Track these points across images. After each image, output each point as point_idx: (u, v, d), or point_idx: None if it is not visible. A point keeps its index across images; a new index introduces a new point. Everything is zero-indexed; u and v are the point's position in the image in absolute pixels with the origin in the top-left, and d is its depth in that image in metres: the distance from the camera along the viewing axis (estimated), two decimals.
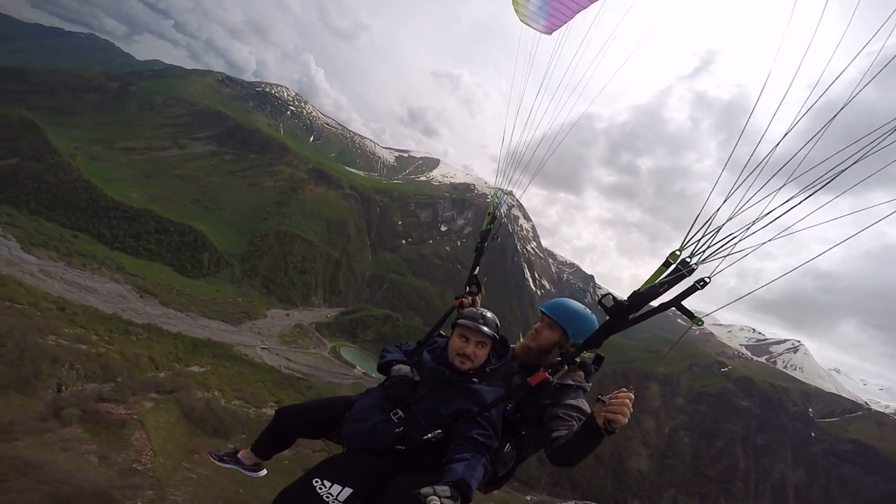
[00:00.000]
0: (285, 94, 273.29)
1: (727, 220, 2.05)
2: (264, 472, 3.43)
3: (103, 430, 21.59)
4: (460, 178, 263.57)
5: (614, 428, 2.30)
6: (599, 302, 2.58)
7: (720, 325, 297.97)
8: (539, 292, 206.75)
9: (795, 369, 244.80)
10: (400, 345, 3.39)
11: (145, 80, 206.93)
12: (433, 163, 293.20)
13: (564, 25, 4.42)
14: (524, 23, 4.48)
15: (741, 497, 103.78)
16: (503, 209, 4.16)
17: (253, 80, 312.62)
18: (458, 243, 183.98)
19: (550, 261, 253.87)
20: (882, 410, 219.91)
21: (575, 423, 2.78)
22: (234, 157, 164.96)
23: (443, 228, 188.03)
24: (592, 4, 4.19)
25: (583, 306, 3.26)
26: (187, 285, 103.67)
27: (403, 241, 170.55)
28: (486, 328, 2.88)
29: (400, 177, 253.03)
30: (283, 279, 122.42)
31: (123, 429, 21.96)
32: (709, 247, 2.06)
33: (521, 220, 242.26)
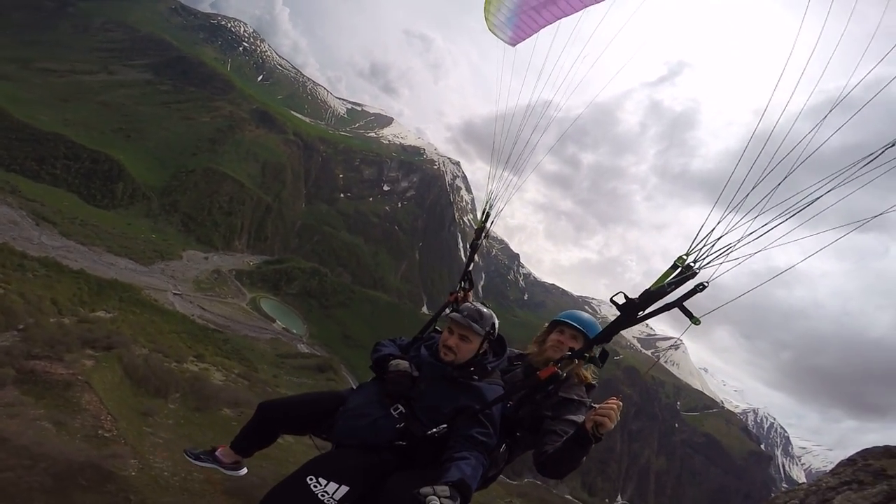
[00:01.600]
0: (242, 29, 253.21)
1: (724, 234, 2.31)
2: (245, 470, 3.30)
3: (46, 392, 20.29)
4: (411, 141, 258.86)
5: (601, 433, 2.40)
6: (611, 299, 2.60)
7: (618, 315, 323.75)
8: None
9: (673, 365, 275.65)
10: (394, 339, 3.34)
11: (86, 0, 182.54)
12: (386, 120, 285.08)
13: (530, 39, 4.48)
14: (491, 31, 4.51)
15: (614, 477, 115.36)
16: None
17: (209, 11, 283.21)
18: (399, 205, 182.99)
19: None
20: (732, 409, 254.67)
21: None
22: (170, 89, 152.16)
23: (385, 188, 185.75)
24: (558, 21, 4.23)
25: (591, 316, 3.33)
26: (93, 216, 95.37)
27: (342, 195, 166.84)
28: (473, 323, 2.82)
29: (348, 129, 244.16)
30: (206, 219, 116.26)
31: (69, 391, 20.64)
32: (709, 254, 2.29)
33: (463, 192, 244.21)
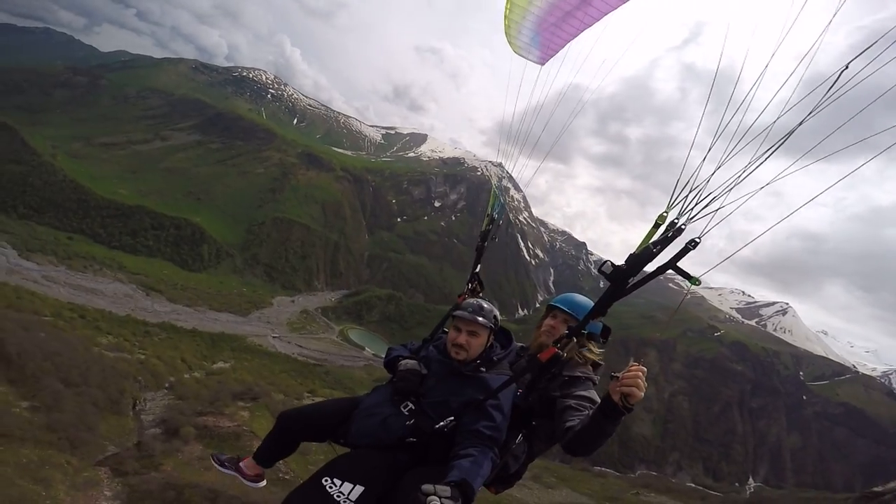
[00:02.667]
0: (263, 77, 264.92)
1: (707, 181, 2.16)
2: (264, 482, 3.37)
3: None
4: (449, 153, 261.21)
5: (632, 403, 2.25)
6: (599, 269, 2.57)
7: (711, 288, 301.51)
8: (533, 262, 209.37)
9: (785, 332, 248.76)
10: (405, 344, 3.37)
11: (114, 72, 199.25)
12: (421, 138, 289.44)
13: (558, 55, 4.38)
14: (518, 54, 4.43)
15: (741, 460, 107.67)
16: (498, 205, 4.28)
17: (227, 64, 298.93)
18: (453, 217, 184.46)
19: (542, 229, 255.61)
20: (869, 374, 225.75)
21: (588, 411, 2.70)
22: (221, 146, 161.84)
23: (436, 204, 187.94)
24: (582, 33, 4.10)
25: (586, 298, 3.27)
26: (190, 279, 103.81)
27: (399, 220, 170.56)
28: (478, 317, 2.83)
29: (388, 154, 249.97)
30: (285, 266, 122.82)
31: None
32: (694, 207, 2.16)
33: (513, 191, 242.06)
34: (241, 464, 3.35)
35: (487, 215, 4.32)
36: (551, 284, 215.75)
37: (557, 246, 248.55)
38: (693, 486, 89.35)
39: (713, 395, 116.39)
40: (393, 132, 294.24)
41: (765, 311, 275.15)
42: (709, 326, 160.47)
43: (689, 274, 2.35)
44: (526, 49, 4.42)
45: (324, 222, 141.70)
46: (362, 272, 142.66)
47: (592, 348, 3.06)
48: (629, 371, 2.26)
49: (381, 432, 2.71)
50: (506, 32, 4.37)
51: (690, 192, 2.19)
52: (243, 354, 68.68)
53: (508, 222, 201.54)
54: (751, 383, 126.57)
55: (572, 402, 2.75)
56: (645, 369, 2.26)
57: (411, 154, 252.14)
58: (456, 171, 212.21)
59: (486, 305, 2.96)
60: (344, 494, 2.40)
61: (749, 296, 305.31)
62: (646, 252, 2.36)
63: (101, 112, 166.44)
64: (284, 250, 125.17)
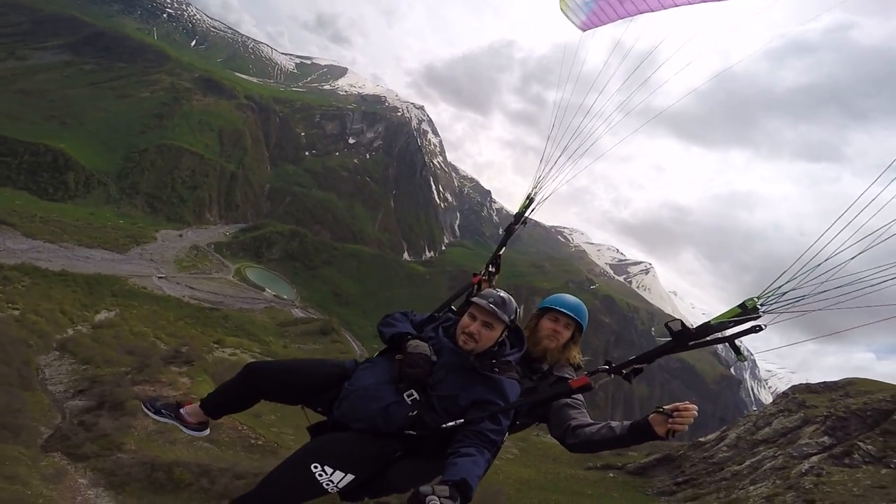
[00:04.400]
0: None
1: (795, 287, 2.20)
2: (207, 431, 3.07)
3: None
4: (370, 89, 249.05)
5: (676, 434, 2.37)
6: (666, 325, 2.51)
7: (591, 243, 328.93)
8: (442, 205, 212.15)
9: (645, 290, 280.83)
10: (406, 313, 3.02)
11: None
12: (339, 71, 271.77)
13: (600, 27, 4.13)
14: (563, 12, 4.23)
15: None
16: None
17: None
18: (367, 156, 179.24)
19: (454, 174, 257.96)
20: None
21: (583, 409, 2.83)
22: (96, 68, 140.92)
23: (351, 141, 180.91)
24: (640, 15, 3.85)
25: (577, 298, 3.30)
26: (52, 210, 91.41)
27: (307, 153, 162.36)
28: (498, 311, 2.64)
29: (301, 84, 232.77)
30: (171, 196, 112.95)
31: None
32: (777, 302, 2.22)
33: (430, 135, 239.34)
34: (181, 410, 2.99)
35: (528, 197, 4.02)
36: (457, 228, 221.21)
37: (465, 192, 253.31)
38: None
39: (584, 345, 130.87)
40: (309, 62, 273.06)
41: (632, 269, 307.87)
42: (587, 279, 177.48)
43: (740, 351, 2.40)
44: (574, 11, 4.14)
45: (219, 151, 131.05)
46: (262, 205, 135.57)
47: (578, 351, 3.17)
48: (686, 410, 2.33)
49: (380, 420, 2.50)
50: None
51: (785, 294, 2.22)
52: (128, 301, 63.00)
53: (423, 164, 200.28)
54: (615, 335, 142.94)
55: (569, 399, 2.81)
56: (696, 411, 2.34)
57: (327, 87, 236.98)
58: (375, 110, 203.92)
59: (508, 299, 2.74)
60: (333, 483, 2.31)
61: (622, 253, 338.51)
62: (720, 326, 2.38)
63: None
64: (171, 179, 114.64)
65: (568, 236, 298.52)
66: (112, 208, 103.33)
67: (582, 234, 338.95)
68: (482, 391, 2.58)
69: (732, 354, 2.42)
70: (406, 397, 2.53)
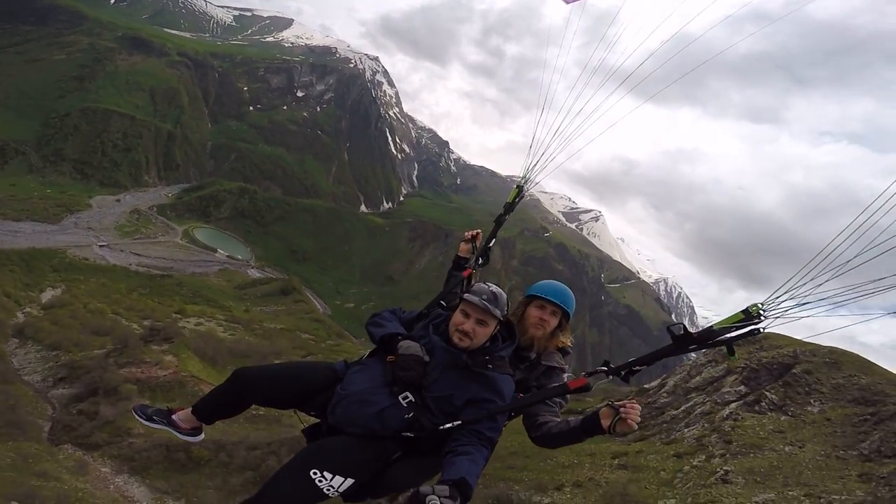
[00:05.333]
0: None
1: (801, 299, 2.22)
2: (202, 435, 3.03)
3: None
4: (318, 41, 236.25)
5: (618, 431, 2.44)
6: (668, 328, 2.46)
7: (545, 192, 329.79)
8: (399, 156, 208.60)
9: (595, 237, 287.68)
10: (394, 310, 2.98)
11: None
12: (284, 22, 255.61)
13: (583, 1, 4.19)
14: None
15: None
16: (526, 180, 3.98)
17: None
18: (318, 109, 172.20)
19: (410, 125, 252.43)
20: (647, 279, 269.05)
21: (558, 409, 2.84)
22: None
23: (299, 94, 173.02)
24: None
25: (563, 284, 3.26)
26: None
27: (251, 108, 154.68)
28: (491, 307, 2.60)
29: (241, 37, 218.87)
30: (102, 160, 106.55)
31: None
32: (782, 305, 2.24)
33: (385, 86, 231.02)
34: (174, 416, 2.93)
35: (518, 186, 3.97)
36: (415, 179, 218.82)
37: (423, 142, 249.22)
38: None
39: None
40: (249, 14, 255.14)
41: (583, 217, 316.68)
42: (541, 227, 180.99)
43: (734, 351, 2.47)
44: None
45: (153, 112, 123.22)
46: (205, 164, 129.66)
47: (567, 336, 3.12)
48: (633, 408, 2.43)
49: (376, 424, 2.46)
50: None
51: (792, 298, 2.25)
52: (72, 275, 59.77)
53: (379, 116, 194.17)
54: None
55: (547, 399, 2.81)
56: (640, 408, 2.47)
57: (270, 39, 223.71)
58: (325, 61, 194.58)
59: (499, 293, 2.68)
60: (334, 487, 2.29)
61: (573, 202, 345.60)
62: (721, 331, 2.38)
63: None
64: (100, 143, 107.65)
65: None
66: (36, 178, 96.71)
67: (536, 183, 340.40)
68: (477, 389, 2.56)
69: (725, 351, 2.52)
70: (401, 400, 2.50)
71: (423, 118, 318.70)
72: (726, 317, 2.38)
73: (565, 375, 3.02)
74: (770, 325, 2.28)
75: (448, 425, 2.49)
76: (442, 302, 3.09)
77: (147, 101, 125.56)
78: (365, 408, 2.47)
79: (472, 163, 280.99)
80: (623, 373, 2.58)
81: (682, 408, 19.97)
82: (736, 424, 16.00)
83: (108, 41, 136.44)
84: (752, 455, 13.93)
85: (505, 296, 2.70)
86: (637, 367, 2.54)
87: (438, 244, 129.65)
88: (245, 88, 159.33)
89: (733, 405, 17.58)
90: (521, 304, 3.21)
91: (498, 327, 2.72)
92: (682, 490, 12.81)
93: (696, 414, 18.77)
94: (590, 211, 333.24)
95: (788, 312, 2.22)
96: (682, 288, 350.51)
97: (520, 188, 4.00)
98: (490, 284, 2.77)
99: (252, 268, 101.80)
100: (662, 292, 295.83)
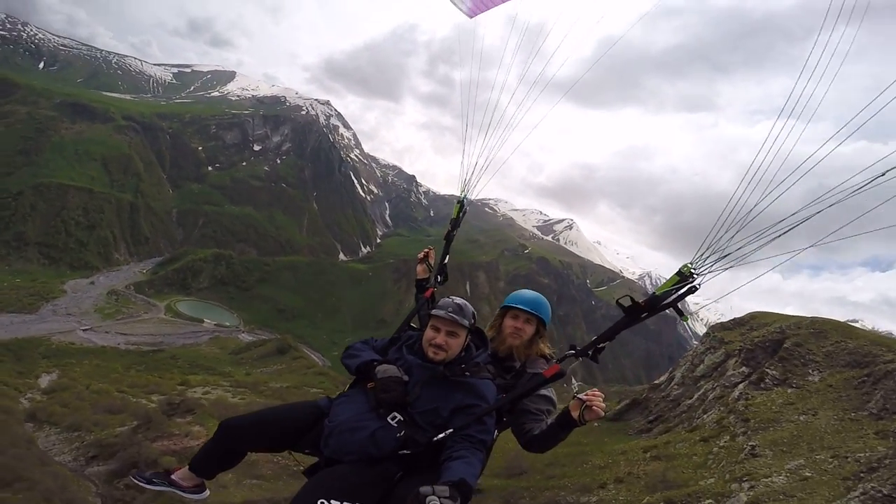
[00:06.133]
0: None
1: (727, 245, 2.42)
2: (207, 492, 3.03)
3: None
4: (265, 91, 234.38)
5: (587, 420, 2.60)
6: (617, 302, 2.67)
7: (516, 209, 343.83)
8: (368, 198, 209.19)
9: (572, 245, 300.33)
10: (367, 341, 3.06)
11: None
12: (227, 75, 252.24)
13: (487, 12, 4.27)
14: (451, 1, 4.39)
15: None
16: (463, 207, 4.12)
17: None
18: (278, 161, 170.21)
19: (374, 165, 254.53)
20: (631, 277, 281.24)
21: (545, 416, 2.89)
22: None
23: (255, 148, 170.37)
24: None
25: (536, 293, 3.37)
26: None
27: (210, 168, 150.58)
28: (458, 318, 2.72)
29: (184, 94, 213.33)
30: (68, 241, 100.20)
31: None
32: (713, 266, 2.44)
33: (342, 129, 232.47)
34: (173, 476, 2.93)
35: (458, 202, 4.03)
36: (388, 218, 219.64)
37: (390, 180, 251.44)
38: None
39: None
40: (189, 70, 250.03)
41: (557, 227, 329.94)
42: (519, 245, 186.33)
43: (682, 312, 2.68)
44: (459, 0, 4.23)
45: (109, 182, 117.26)
46: (174, 233, 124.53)
47: (546, 343, 3.21)
48: (595, 395, 2.58)
49: (371, 447, 2.48)
50: None
51: (714, 253, 2.42)
52: (63, 360, 56.99)
53: (341, 160, 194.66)
54: (556, 294, 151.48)
55: (532, 407, 2.90)
56: (602, 395, 2.62)
57: (215, 93, 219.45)
58: (277, 111, 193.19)
59: (464, 304, 2.80)
60: None
61: (545, 214, 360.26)
62: (665, 295, 2.55)
63: None
64: (62, 222, 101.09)
65: (494, 206, 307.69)
66: (2, 267, 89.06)
67: (506, 202, 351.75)
68: (461, 397, 2.65)
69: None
70: (390, 420, 2.55)
71: (385, 155, 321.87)
72: (664, 282, 2.62)
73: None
74: (704, 281, 2.47)
75: (441, 436, 2.55)
76: (411, 324, 3.29)
77: (101, 172, 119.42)
78: (356, 434, 2.51)
79: (441, 193, 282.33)
80: (590, 352, 2.79)
81: (696, 396, 21.34)
82: (748, 403, 16.86)
83: (46, 109, 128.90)
84: (771, 429, 14.76)
85: (470, 306, 2.83)
86: (601, 345, 2.76)
87: None
88: (199, 148, 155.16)
89: (741, 386, 18.68)
90: (498, 317, 3.31)
91: (469, 336, 2.83)
92: (717, 469, 13.51)
93: (710, 400, 19.91)
94: (562, 220, 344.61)
95: (714, 266, 2.42)
96: (665, 278, 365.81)
97: (461, 203, 4.05)
98: (455, 298, 2.88)
99: (242, 332, 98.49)
100: (649, 286, 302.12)
